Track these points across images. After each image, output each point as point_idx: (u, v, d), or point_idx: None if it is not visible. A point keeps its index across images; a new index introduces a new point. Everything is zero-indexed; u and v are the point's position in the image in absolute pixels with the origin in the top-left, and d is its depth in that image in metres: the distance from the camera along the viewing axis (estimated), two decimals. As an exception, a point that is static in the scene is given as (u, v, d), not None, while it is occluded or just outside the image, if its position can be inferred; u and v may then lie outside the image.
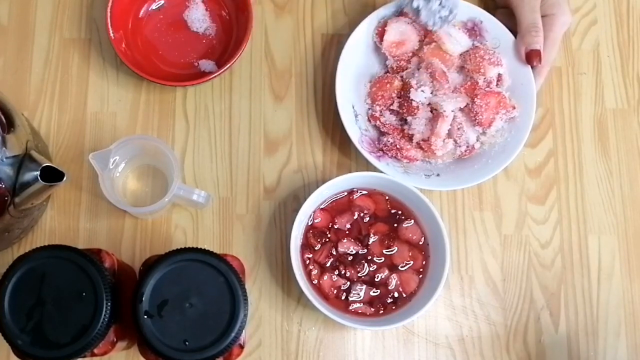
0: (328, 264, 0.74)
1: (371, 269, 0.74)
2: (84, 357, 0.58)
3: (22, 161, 0.63)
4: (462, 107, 0.76)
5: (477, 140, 0.78)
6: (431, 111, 0.77)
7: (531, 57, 0.77)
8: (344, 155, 0.81)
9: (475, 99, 0.76)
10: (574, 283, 0.78)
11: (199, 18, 0.82)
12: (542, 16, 0.78)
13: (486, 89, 0.76)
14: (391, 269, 0.74)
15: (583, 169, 0.81)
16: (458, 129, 0.76)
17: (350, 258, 0.74)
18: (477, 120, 0.76)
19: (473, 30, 0.80)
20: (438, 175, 0.77)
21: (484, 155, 0.78)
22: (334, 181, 0.73)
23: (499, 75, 0.78)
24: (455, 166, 0.78)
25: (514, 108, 0.77)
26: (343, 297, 0.73)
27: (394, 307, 0.73)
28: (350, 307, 0.73)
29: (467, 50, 0.79)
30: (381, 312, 0.73)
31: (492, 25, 0.80)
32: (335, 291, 0.73)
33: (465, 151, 0.77)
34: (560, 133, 0.82)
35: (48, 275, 0.56)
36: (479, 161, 0.77)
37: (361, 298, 0.74)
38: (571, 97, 0.84)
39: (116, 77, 0.82)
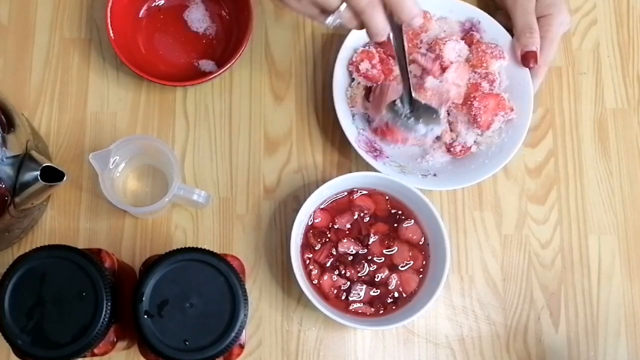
0: (328, 264, 0.74)
1: (371, 268, 0.74)
2: (84, 357, 0.58)
3: (22, 161, 0.63)
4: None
5: (475, 143, 0.78)
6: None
7: (527, 59, 0.77)
8: (343, 155, 0.81)
9: (474, 102, 0.76)
10: (574, 283, 0.78)
11: (199, 18, 0.82)
12: (540, 17, 0.78)
13: (487, 91, 0.76)
14: (391, 269, 0.74)
15: (583, 169, 0.81)
16: (451, 123, 0.77)
17: (350, 258, 0.75)
18: (476, 123, 0.76)
19: (470, 30, 0.80)
20: (435, 175, 0.77)
21: (481, 155, 0.78)
22: (334, 181, 0.73)
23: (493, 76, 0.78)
24: (452, 166, 0.78)
25: (512, 110, 0.77)
26: (343, 297, 0.73)
27: (394, 307, 0.73)
28: (350, 307, 0.73)
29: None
30: (381, 312, 0.73)
31: (490, 26, 0.80)
32: (335, 291, 0.73)
33: (460, 151, 0.77)
34: (560, 133, 0.82)
35: (48, 275, 0.56)
36: (475, 161, 0.78)
37: (361, 298, 0.74)
38: (571, 97, 0.84)
39: (116, 77, 0.82)
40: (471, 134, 0.77)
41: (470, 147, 0.78)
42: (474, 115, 0.76)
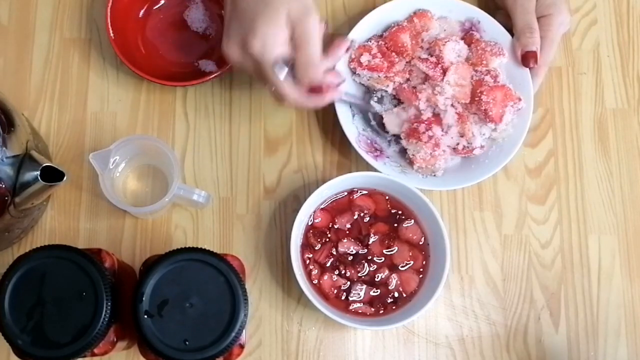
0: (328, 264, 0.74)
1: (371, 268, 0.74)
2: (84, 357, 0.58)
3: (23, 161, 0.63)
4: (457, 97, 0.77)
5: (491, 139, 0.78)
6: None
7: (527, 59, 0.77)
8: (343, 155, 0.81)
9: (482, 96, 0.75)
10: (574, 283, 0.78)
11: (199, 18, 0.82)
12: (540, 17, 0.78)
13: (492, 84, 0.76)
14: (391, 268, 0.74)
15: (583, 169, 0.81)
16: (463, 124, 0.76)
17: (350, 258, 0.75)
18: (488, 117, 0.75)
19: (470, 30, 0.80)
20: (435, 175, 0.77)
21: (481, 155, 0.77)
22: (334, 181, 0.73)
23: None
24: (452, 166, 0.78)
25: (519, 99, 0.76)
26: (343, 297, 0.73)
27: (394, 307, 0.73)
28: (351, 307, 0.73)
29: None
30: (381, 312, 0.73)
31: (490, 25, 0.80)
32: (335, 291, 0.73)
33: (463, 149, 0.77)
34: (560, 133, 0.82)
35: (48, 275, 0.56)
36: (476, 161, 0.77)
37: (361, 298, 0.73)
38: (571, 97, 0.84)
39: (116, 77, 0.82)
40: (485, 129, 0.76)
41: (482, 144, 0.77)
42: (485, 110, 0.75)
